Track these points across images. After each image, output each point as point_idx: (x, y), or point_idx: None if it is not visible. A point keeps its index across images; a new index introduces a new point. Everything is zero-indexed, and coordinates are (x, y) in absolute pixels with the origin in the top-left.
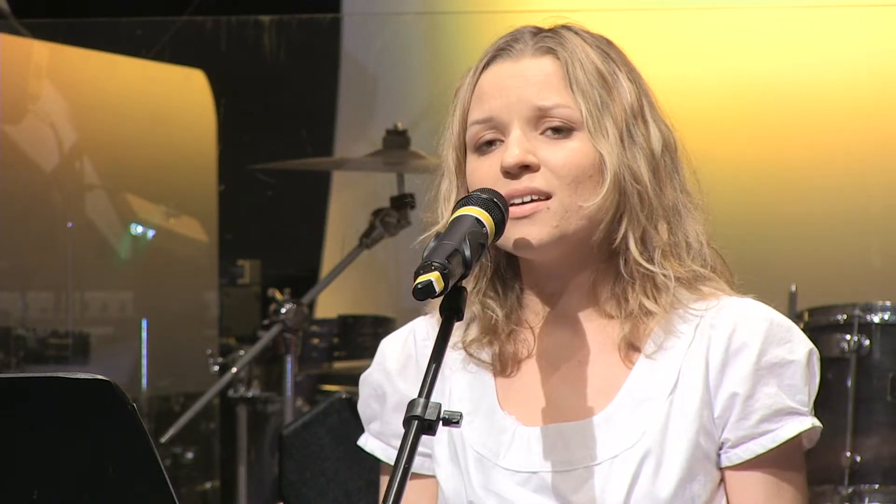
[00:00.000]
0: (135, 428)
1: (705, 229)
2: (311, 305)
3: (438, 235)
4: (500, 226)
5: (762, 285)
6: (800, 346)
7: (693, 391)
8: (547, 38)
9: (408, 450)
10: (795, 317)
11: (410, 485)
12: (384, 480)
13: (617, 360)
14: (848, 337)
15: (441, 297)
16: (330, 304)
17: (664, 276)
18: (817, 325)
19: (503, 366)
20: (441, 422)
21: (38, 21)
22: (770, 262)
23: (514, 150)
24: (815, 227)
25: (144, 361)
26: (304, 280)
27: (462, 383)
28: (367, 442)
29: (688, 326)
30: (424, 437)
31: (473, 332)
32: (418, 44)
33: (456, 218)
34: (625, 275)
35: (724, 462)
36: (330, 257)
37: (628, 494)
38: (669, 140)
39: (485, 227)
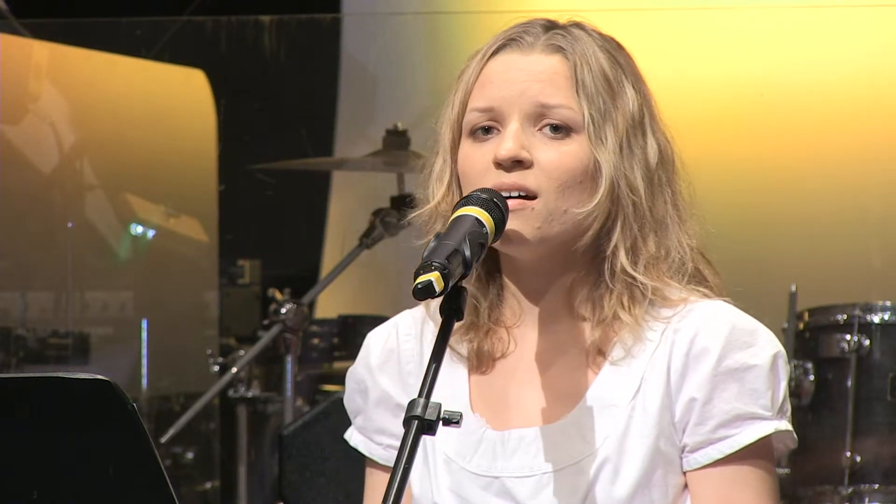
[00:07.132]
0: (135, 428)
1: (696, 241)
2: (311, 305)
3: (438, 235)
4: (500, 226)
5: (762, 285)
6: (763, 349)
7: (654, 395)
8: (558, 36)
9: (408, 450)
10: (795, 317)
11: (382, 477)
12: (369, 473)
13: (584, 365)
14: (848, 337)
15: (441, 297)
16: (330, 304)
17: (643, 286)
18: (817, 325)
19: (479, 363)
20: (441, 422)
21: (38, 21)
22: (770, 262)
23: (508, 143)
24: (815, 227)
25: (144, 361)
26: (304, 280)
27: (439, 380)
28: (352, 435)
29: (655, 334)
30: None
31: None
32: (418, 44)
33: (456, 218)
34: (607, 281)
35: (685, 466)
36: (330, 257)
37: (584, 499)
38: (666, 152)
39: (485, 227)
